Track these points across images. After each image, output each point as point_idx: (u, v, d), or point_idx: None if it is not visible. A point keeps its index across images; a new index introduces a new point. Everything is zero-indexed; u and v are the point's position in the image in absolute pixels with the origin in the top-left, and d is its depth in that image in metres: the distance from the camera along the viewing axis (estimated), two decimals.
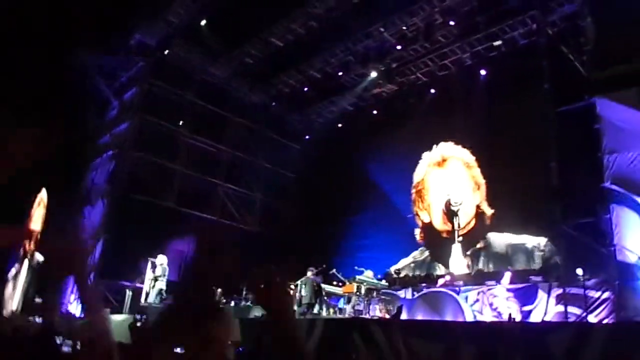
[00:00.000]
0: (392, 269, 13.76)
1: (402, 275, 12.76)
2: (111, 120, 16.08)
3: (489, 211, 12.62)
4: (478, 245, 12.57)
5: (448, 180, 13.54)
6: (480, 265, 12.33)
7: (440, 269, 13.09)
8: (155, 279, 11.96)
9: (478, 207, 12.85)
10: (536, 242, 11.49)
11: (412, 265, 13.92)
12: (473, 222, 12.86)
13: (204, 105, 15.91)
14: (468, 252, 12.50)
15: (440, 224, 13.43)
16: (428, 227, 13.86)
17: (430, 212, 13.87)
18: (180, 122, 15.47)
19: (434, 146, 14.10)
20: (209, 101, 15.98)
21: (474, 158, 13.28)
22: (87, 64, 14.50)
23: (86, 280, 1.51)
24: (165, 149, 15.04)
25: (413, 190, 14.40)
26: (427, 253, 13.85)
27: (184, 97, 15.58)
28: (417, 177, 14.36)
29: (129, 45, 14.78)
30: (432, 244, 13.71)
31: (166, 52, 14.81)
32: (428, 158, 14.20)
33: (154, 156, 14.73)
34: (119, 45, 14.63)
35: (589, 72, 10.18)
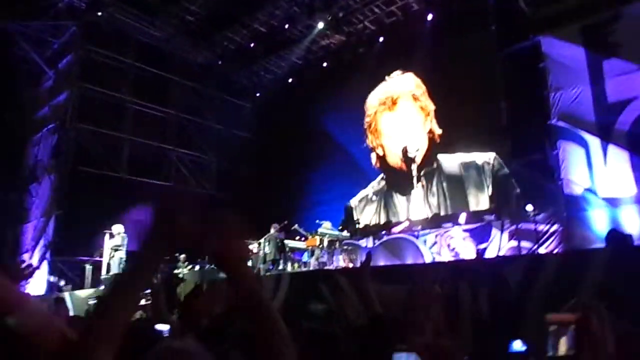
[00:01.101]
0: (352, 201, 14.01)
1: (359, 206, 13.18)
2: (47, 91, 15.18)
3: (437, 130, 12.79)
4: (432, 167, 12.83)
5: (401, 125, 13.54)
6: (434, 189, 12.65)
7: (397, 198, 13.41)
8: (115, 249, 11.66)
9: (429, 132, 12.98)
10: (486, 157, 11.82)
11: (371, 195, 14.10)
12: (426, 149, 13.03)
13: (146, 69, 15.13)
14: (423, 182, 12.72)
15: (395, 162, 13.56)
16: (383, 158, 14.02)
17: (384, 150, 13.97)
18: (123, 89, 14.74)
19: (383, 81, 14.07)
20: (151, 64, 15.19)
21: (423, 88, 13.29)
22: (11, 31, 13.47)
23: None
24: (110, 117, 14.36)
25: (366, 123, 14.39)
26: (383, 182, 14.04)
27: (123, 61, 14.76)
28: (367, 110, 14.33)
29: (57, 9, 13.72)
30: (388, 173, 13.89)
31: (99, 13, 13.89)
32: (377, 97, 14.14)
33: (98, 126, 14.06)
34: (46, 8, 13.56)
35: (532, 10, 10.26)
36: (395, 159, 13.46)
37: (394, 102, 13.75)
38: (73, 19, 14.00)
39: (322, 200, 14.34)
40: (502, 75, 10.75)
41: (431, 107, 13.02)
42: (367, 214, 13.95)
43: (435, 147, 12.79)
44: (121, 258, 11.50)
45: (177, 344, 1.29)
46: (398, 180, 13.33)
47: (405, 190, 13.04)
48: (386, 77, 14.02)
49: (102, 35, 14.10)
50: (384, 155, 13.88)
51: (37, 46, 14.55)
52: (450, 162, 12.51)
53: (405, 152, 12.85)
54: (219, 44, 15.70)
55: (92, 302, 9.82)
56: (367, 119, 14.31)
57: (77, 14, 13.89)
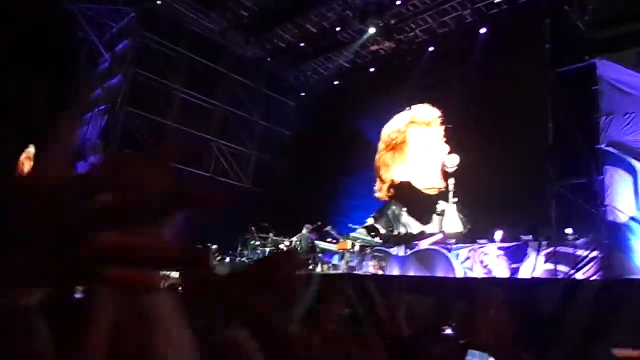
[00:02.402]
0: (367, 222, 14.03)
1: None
2: (102, 73, 15.72)
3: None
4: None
5: (435, 140, 13.60)
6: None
7: (412, 226, 13.42)
8: None
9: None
10: None
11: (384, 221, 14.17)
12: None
13: (197, 60, 15.55)
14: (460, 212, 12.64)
15: (424, 181, 13.50)
16: (403, 185, 14.01)
17: (409, 169, 13.94)
18: (173, 77, 15.17)
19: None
20: (202, 55, 15.60)
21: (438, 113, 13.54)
22: (75, 13, 14.05)
23: None
24: (158, 104, 14.79)
25: (383, 145, 14.46)
26: (397, 209, 14.06)
27: (176, 50, 15.20)
28: (392, 130, 14.38)
29: None
30: (407, 200, 13.91)
31: (158, 2, 14.35)
32: (410, 115, 14.21)
33: (146, 111, 14.52)
34: None
35: (590, 32, 10.06)
36: (422, 177, 13.50)
37: (427, 123, 13.92)
38: (132, 5, 14.49)
39: (356, 205, 14.38)
40: (552, 96, 10.56)
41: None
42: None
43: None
44: None
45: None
46: (421, 208, 13.41)
47: (420, 214, 13.14)
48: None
49: (158, 23, 14.54)
50: (405, 179, 14.01)
51: (98, 29, 15.12)
52: None
53: (443, 166, 12.80)
54: (269, 41, 15.96)
55: None
56: (386, 143, 14.42)
57: (137, 1, 14.38)
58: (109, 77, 15.22)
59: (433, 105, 13.95)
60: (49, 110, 13.59)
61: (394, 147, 14.32)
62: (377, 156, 14.72)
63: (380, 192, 14.47)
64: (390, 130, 14.53)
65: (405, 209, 13.92)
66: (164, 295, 0.56)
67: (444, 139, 13.42)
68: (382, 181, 14.51)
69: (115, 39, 15.42)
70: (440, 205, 12.93)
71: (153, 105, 14.65)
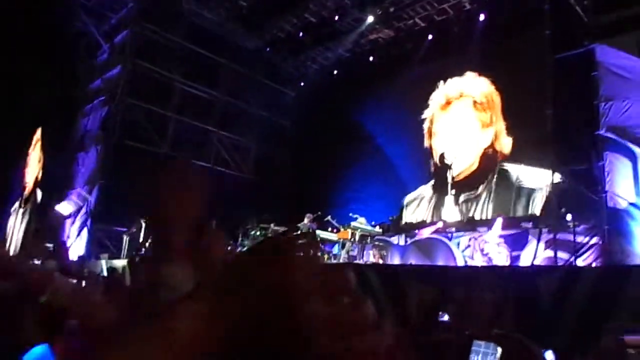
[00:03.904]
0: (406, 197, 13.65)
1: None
2: (102, 64, 15.72)
3: (499, 146, 11.98)
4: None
5: (450, 127, 13.05)
6: (472, 212, 12.27)
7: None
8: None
9: (489, 146, 12.18)
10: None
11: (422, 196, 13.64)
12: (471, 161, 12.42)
13: (196, 50, 15.51)
14: (461, 200, 12.43)
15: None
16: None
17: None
18: (172, 68, 15.15)
19: (441, 83, 13.46)
20: (201, 46, 15.56)
21: (491, 98, 12.39)
22: (74, 4, 14.01)
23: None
24: (158, 95, 14.80)
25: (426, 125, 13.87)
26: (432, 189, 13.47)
27: (175, 41, 15.17)
28: (427, 112, 13.82)
29: None
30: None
31: None
32: (436, 98, 13.56)
33: (146, 102, 14.52)
34: None
35: (590, 17, 10.00)
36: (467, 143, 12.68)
37: (448, 102, 13.19)
38: None
39: (356, 197, 14.35)
40: (552, 82, 10.49)
41: (495, 120, 12.19)
42: (418, 213, 13.52)
43: (490, 160, 12.08)
44: None
45: None
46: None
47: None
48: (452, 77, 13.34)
49: (157, 13, 14.51)
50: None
51: (96, 19, 15.09)
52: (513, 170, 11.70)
53: (442, 158, 12.45)
54: (268, 31, 15.89)
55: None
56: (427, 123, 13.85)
57: None
58: (108, 68, 15.21)
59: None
60: (50, 99, 13.67)
61: (429, 131, 13.66)
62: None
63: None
64: (444, 93, 13.48)
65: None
66: None
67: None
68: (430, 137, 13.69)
69: (114, 29, 15.39)
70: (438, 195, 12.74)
71: (153, 96, 14.66)
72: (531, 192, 11.04)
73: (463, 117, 12.88)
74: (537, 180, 10.93)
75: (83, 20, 14.63)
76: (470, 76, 12.89)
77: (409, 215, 13.56)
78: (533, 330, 5.95)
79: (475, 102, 12.67)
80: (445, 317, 5.00)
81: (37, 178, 11.85)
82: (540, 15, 10.89)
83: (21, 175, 14.60)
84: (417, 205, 13.58)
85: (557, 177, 9.96)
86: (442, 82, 13.47)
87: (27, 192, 14.35)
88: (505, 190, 11.58)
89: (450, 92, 13.28)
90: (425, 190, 13.53)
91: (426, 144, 13.71)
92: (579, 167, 9.84)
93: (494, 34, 12.62)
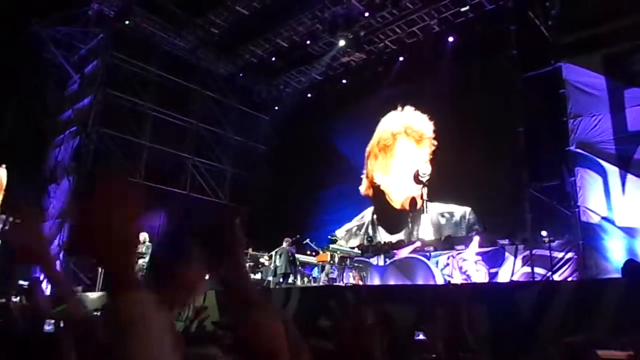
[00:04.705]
0: (337, 232, 14.06)
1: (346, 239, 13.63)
2: (72, 94, 15.52)
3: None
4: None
5: (419, 160, 13.58)
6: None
7: (380, 232, 13.81)
8: (139, 257, 11.60)
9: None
10: (462, 211, 12.50)
11: (355, 229, 14.44)
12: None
13: (169, 78, 15.46)
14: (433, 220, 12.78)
15: (397, 196, 13.67)
16: (380, 191, 14.20)
17: (388, 179, 14.05)
18: (145, 96, 15.04)
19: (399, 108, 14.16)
20: (174, 73, 15.52)
21: (432, 129, 13.43)
22: (43, 36, 13.87)
23: (53, 268, 1.46)
24: (131, 123, 14.66)
25: (376, 139, 14.52)
26: (369, 216, 14.31)
27: (147, 69, 15.10)
28: (386, 129, 14.38)
29: (87, 16, 14.14)
30: (379, 208, 14.16)
31: (126, 22, 14.25)
32: (405, 122, 14.15)
33: (119, 131, 14.34)
34: (76, 15, 13.99)
35: (555, 37, 10.28)
36: (399, 189, 13.68)
37: (418, 140, 13.84)
38: (101, 26, 14.37)
39: (333, 219, 14.44)
40: (521, 100, 10.71)
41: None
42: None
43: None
44: (143, 265, 11.51)
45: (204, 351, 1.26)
46: (389, 217, 13.66)
47: (391, 224, 13.48)
48: (399, 107, 14.16)
49: (128, 43, 14.47)
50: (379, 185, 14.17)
51: (66, 50, 14.96)
52: (432, 209, 12.65)
53: (416, 175, 12.77)
54: (241, 57, 15.96)
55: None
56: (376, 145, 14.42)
57: (105, 22, 14.27)
58: (79, 98, 15.03)
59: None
60: (17, 130, 13.38)
61: (383, 148, 14.32)
62: (369, 144, 14.66)
63: (363, 185, 14.53)
64: (384, 128, 14.41)
65: (376, 219, 14.12)
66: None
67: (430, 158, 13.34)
68: (367, 175, 14.55)
69: (84, 60, 15.27)
70: (413, 215, 13.09)
71: (126, 124, 14.51)
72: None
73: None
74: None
75: (52, 51, 14.46)
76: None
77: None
78: (512, 346, 5.95)
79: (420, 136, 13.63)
80: (421, 336, 4.94)
81: None
82: (507, 37, 11.17)
83: None
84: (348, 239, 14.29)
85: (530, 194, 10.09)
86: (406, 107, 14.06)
87: None
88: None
89: (407, 121, 14.00)
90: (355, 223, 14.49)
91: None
92: (552, 183, 9.99)
93: (463, 55, 12.90)
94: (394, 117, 14.29)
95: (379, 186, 14.20)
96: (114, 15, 14.18)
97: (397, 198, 13.74)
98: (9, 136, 13.01)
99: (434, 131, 13.39)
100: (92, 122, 14.03)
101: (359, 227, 14.36)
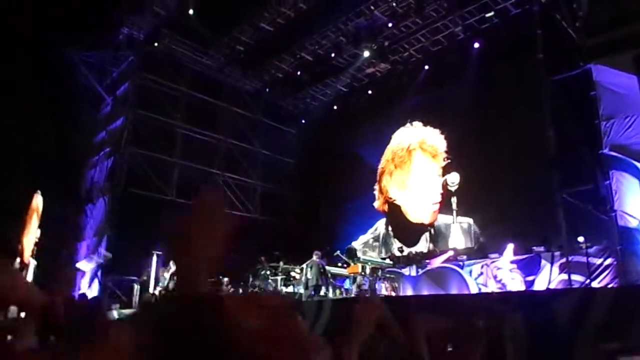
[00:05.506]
0: (354, 244, 14.08)
1: (364, 251, 13.65)
2: (105, 116, 16.03)
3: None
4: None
5: (434, 175, 13.75)
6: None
7: (395, 244, 13.84)
8: (172, 277, 11.75)
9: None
10: (465, 222, 12.69)
11: (372, 240, 14.49)
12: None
13: (197, 96, 15.87)
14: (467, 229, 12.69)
15: (414, 212, 13.69)
16: (395, 207, 14.21)
17: (405, 195, 14.03)
18: (175, 115, 15.42)
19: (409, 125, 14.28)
20: (202, 91, 15.95)
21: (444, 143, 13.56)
22: (76, 61, 14.40)
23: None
24: (162, 142, 15.04)
25: (390, 155, 14.55)
26: (383, 228, 14.40)
27: (176, 89, 15.53)
28: (400, 145, 14.39)
29: (118, 40, 14.69)
30: (395, 223, 14.15)
31: (155, 44, 14.68)
32: (420, 138, 14.16)
33: (151, 150, 14.73)
34: (108, 40, 14.53)
35: (582, 38, 10.09)
36: (416, 202, 13.73)
37: (433, 155, 13.91)
38: (131, 50, 14.85)
39: (362, 229, 14.46)
40: (550, 104, 10.51)
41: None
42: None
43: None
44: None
45: None
46: (405, 229, 13.69)
47: (406, 237, 13.57)
48: (409, 123, 14.29)
49: (157, 64, 14.90)
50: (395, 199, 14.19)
51: (98, 74, 15.51)
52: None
53: (445, 185, 12.96)
54: (267, 73, 16.21)
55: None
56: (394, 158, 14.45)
57: (135, 45, 14.75)
58: (112, 120, 15.51)
59: (431, 123, 13.95)
60: (53, 153, 13.85)
61: (398, 165, 14.30)
62: (382, 161, 14.69)
63: (378, 201, 14.52)
64: (398, 143, 14.42)
65: (392, 231, 14.18)
66: None
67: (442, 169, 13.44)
68: (381, 191, 14.54)
69: (116, 82, 15.78)
70: (441, 225, 13.02)
71: (157, 143, 14.88)
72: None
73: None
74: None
75: (85, 75, 15.00)
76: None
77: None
78: (548, 356, 5.80)
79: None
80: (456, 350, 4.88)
81: (35, 246, 11.68)
82: (533, 40, 11.02)
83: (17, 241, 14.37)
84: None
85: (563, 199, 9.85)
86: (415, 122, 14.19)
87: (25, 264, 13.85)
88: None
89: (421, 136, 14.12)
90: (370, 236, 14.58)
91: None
92: (585, 188, 9.73)
93: (489, 61, 12.77)
94: (406, 132, 14.33)
95: (394, 201, 14.14)
96: (144, 38, 14.68)
97: (414, 212, 13.72)
98: (46, 159, 13.48)
99: (447, 145, 13.48)
100: (124, 142, 14.45)
101: (375, 239, 14.36)
